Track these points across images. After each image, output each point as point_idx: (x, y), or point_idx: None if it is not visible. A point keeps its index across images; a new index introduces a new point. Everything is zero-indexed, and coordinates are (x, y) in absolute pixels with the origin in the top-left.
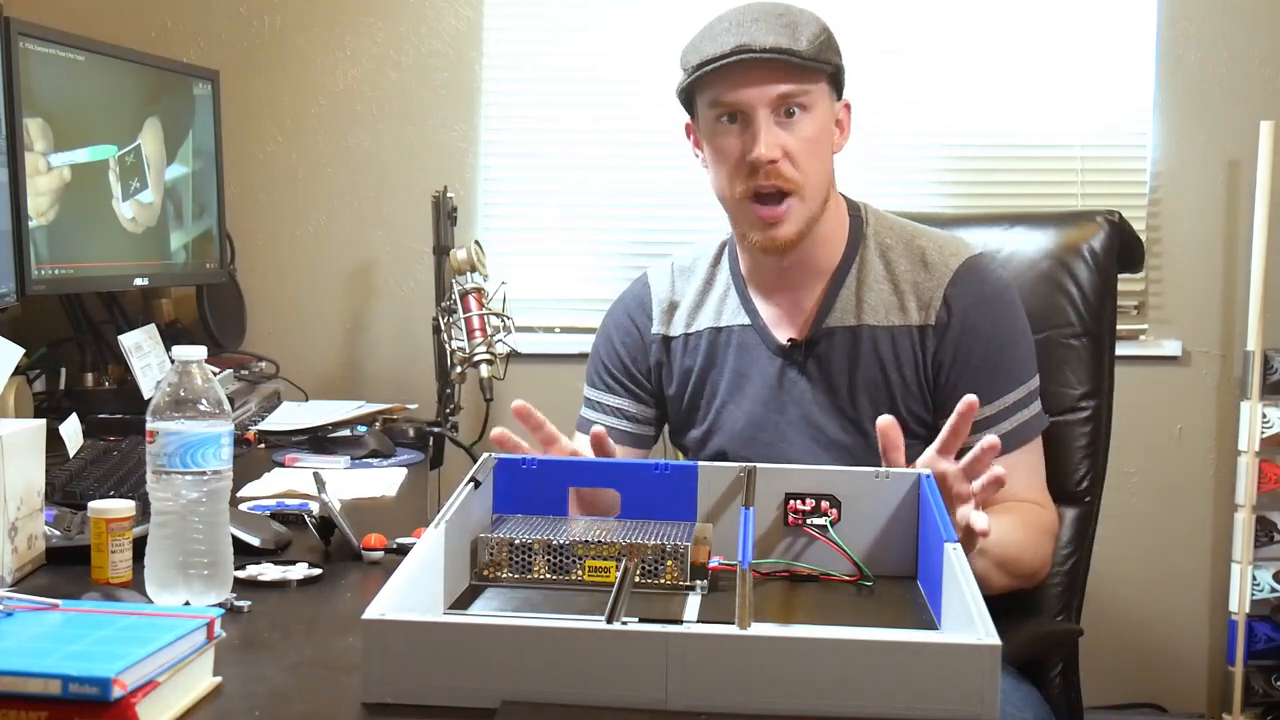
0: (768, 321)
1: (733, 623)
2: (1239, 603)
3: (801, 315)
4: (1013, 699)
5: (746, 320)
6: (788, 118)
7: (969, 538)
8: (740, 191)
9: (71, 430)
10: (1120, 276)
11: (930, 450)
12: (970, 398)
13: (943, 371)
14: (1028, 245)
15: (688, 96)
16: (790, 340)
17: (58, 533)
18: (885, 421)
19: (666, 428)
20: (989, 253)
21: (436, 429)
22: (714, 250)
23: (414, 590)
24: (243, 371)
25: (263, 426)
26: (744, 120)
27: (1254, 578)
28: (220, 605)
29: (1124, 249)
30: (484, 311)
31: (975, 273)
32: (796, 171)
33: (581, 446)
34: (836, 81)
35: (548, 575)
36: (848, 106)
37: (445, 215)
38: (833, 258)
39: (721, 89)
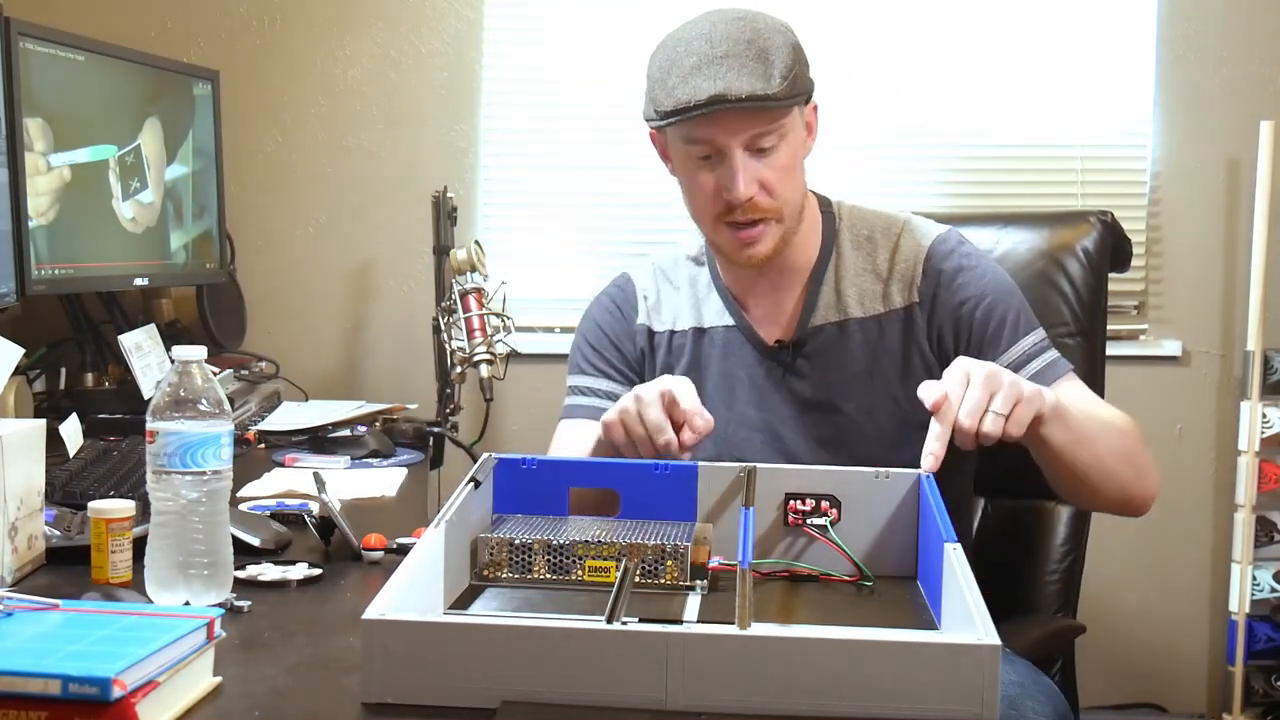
0: (752, 322)
1: (733, 623)
2: (1239, 603)
3: (784, 315)
4: (1033, 692)
5: (730, 321)
6: (762, 152)
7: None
8: (716, 219)
9: (71, 430)
10: (1120, 276)
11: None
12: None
13: (945, 340)
14: (1022, 245)
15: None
16: (777, 341)
17: (58, 533)
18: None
19: None
20: (959, 231)
21: (436, 429)
22: (694, 251)
23: (414, 590)
24: (243, 371)
25: (263, 426)
26: (718, 156)
27: (1254, 578)
28: (220, 605)
29: (1114, 249)
30: (484, 311)
31: (948, 244)
32: (773, 200)
33: (578, 433)
34: (807, 97)
35: (548, 575)
36: (815, 108)
37: (445, 215)
38: (809, 257)
39: (695, 130)
